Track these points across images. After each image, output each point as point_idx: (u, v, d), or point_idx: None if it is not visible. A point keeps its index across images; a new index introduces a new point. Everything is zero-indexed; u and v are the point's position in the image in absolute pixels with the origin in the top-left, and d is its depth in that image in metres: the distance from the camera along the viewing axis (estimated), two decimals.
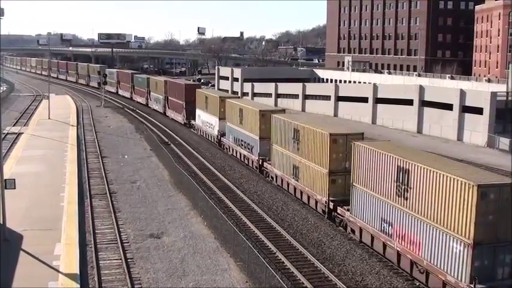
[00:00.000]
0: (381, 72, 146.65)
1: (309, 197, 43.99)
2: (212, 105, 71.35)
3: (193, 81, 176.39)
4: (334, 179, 40.14)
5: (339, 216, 38.98)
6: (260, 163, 55.48)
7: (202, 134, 77.26)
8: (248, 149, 58.59)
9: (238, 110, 60.92)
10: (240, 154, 61.22)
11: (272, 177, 52.38)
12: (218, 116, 68.43)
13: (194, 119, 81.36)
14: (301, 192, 45.47)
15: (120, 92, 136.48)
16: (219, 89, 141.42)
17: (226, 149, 66.26)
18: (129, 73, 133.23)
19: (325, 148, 40.70)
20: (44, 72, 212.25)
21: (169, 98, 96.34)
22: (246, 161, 59.49)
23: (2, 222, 34.25)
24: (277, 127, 50.18)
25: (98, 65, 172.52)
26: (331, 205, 39.91)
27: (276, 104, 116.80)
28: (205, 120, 74.88)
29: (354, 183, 36.05)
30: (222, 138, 67.90)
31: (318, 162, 41.80)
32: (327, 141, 40.24)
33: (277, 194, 48.28)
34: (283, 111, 58.37)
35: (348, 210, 37.44)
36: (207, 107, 73.51)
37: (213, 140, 72.11)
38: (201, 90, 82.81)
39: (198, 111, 79.10)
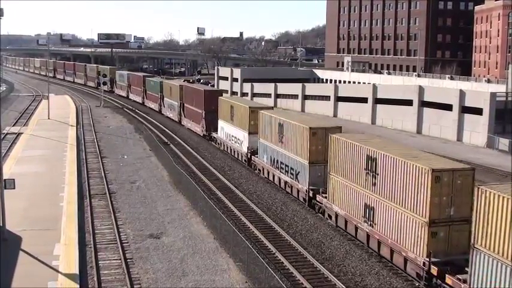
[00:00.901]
0: (381, 73, 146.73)
1: (392, 251, 32.80)
2: (240, 116, 61.18)
3: (195, 81, 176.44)
4: (435, 232, 29.59)
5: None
6: (310, 195, 43.54)
7: (226, 149, 66.47)
8: (291, 174, 47.27)
9: (277, 124, 49.91)
10: (279, 179, 50.06)
11: (329, 216, 40.67)
12: (248, 130, 58.64)
13: (215, 130, 70.79)
14: (379, 244, 34.04)
15: (131, 96, 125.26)
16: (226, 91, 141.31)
17: (259, 170, 55.47)
18: (140, 76, 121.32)
19: (423, 186, 30.05)
20: (49, 74, 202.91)
21: (185, 105, 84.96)
22: (289, 189, 47.96)
23: (1, 222, 34.23)
24: (341, 151, 38.14)
25: (108, 67, 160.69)
26: (434, 270, 28.99)
27: (275, 105, 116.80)
28: (231, 133, 64.47)
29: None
30: (252, 157, 57.15)
31: (407, 207, 31.22)
32: (427, 179, 29.64)
33: (277, 194, 48.27)
34: (339, 128, 44.81)
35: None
36: (233, 118, 63.36)
37: (240, 158, 61.45)
38: (226, 98, 72.90)
39: (221, 123, 68.40)
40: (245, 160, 59.37)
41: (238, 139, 61.57)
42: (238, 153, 61.98)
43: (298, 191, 45.83)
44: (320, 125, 46.13)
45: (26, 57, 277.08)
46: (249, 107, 59.05)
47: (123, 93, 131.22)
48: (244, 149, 59.37)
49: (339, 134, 40.28)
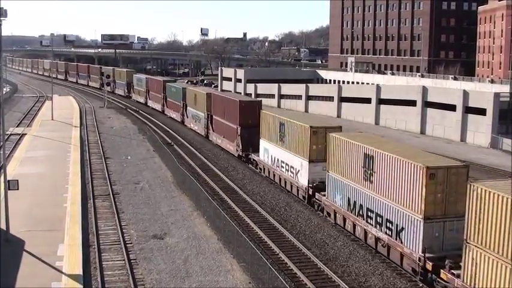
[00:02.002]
0: (384, 73, 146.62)
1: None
2: (295, 138, 46.82)
3: (198, 82, 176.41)
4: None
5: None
6: (422, 264, 30.16)
7: (271, 176, 52.96)
8: (388, 230, 33.38)
9: (363, 155, 35.78)
10: (365, 233, 36.13)
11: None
12: (308, 157, 44.49)
13: (255, 151, 57.31)
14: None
15: (150, 103, 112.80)
16: (222, 90, 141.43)
17: (328, 214, 41.28)
18: (160, 81, 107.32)
19: None
20: (60, 76, 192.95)
21: (214, 117, 71.33)
22: (385, 252, 33.99)
23: (5, 223, 34.28)
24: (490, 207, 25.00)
25: (125, 69, 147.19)
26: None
27: (279, 105, 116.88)
28: (279, 158, 50.25)
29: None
30: (317, 194, 43.21)
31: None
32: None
33: (280, 195, 48.26)
34: (464, 167, 31.43)
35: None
36: (284, 139, 49.29)
37: (295, 192, 47.49)
38: (272, 112, 56.83)
39: (264, 143, 54.28)
40: (303, 197, 45.74)
41: (292, 167, 47.55)
42: (291, 186, 48.26)
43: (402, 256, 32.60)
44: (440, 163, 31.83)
45: (33, 59, 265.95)
46: (310, 127, 44.35)
47: (141, 100, 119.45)
48: (303, 182, 45.59)
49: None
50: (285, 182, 49.58)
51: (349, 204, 37.74)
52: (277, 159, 50.97)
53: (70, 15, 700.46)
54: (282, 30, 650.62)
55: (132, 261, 33.18)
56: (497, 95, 76.52)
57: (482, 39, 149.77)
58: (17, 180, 36.94)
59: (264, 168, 54.80)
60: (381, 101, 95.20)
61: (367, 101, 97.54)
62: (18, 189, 36.70)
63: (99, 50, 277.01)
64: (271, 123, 52.42)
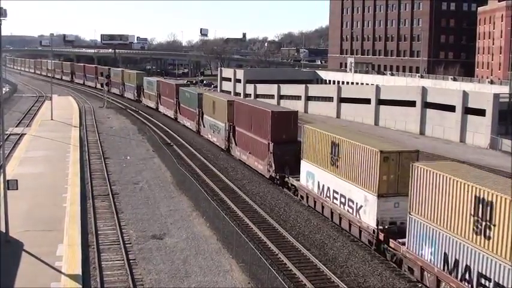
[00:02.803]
0: (384, 74, 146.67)
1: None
2: (357, 163, 36.93)
3: (198, 82, 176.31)
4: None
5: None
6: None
7: (318, 208, 42.92)
8: None
9: (473, 198, 26.28)
10: None
11: None
12: (375, 190, 34.59)
13: (294, 173, 47.66)
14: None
15: (161, 109, 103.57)
16: (222, 91, 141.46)
17: (411, 270, 31.56)
18: (172, 85, 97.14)
19: None
20: (65, 77, 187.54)
21: (237, 129, 61.78)
22: None
23: (4, 223, 34.28)
24: None
25: (135, 71, 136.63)
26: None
27: (278, 105, 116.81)
28: (330, 187, 40.64)
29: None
30: (392, 241, 33.23)
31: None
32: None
33: (280, 196, 48.25)
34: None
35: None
36: (338, 163, 39.54)
37: (356, 233, 37.62)
38: (319, 128, 44.33)
39: (307, 165, 44.38)
40: (369, 241, 35.86)
41: (351, 201, 37.71)
42: (349, 224, 38.14)
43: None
44: None
45: (36, 59, 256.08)
46: (380, 152, 34.27)
47: (152, 104, 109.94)
48: (367, 222, 35.60)
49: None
50: (340, 219, 39.46)
51: (446, 261, 28.04)
52: (328, 188, 41.11)
53: (69, 15, 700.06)
54: (281, 31, 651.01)
55: (131, 261, 33.19)
56: (496, 96, 76.55)
57: (482, 40, 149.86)
58: (16, 180, 36.96)
59: (308, 197, 44.39)
60: (381, 102, 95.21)
61: (367, 101, 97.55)
62: (17, 189, 36.72)
63: (99, 50, 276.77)
64: (320, 142, 42.37)
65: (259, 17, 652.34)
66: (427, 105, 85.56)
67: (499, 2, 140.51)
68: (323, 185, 42.02)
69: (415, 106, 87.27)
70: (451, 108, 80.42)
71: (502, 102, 76.28)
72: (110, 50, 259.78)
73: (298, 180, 46.52)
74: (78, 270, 30.51)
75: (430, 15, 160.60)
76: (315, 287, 30.21)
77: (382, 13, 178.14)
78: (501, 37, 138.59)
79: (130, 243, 36.27)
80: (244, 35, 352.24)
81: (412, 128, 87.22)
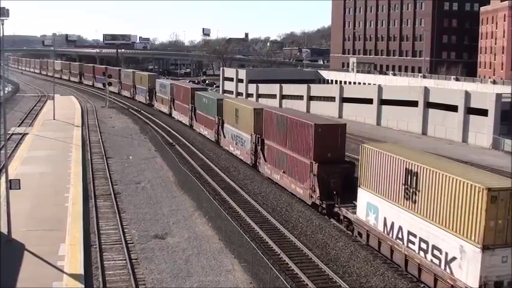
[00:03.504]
0: (386, 74, 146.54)
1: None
2: (447, 200, 28.58)
3: (200, 82, 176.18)
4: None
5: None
6: None
7: (384, 251, 34.27)
8: None
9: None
10: None
11: None
12: (478, 240, 26.50)
13: (346, 202, 39.33)
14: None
15: (175, 114, 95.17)
16: (224, 91, 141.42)
17: None
18: (188, 88, 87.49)
19: None
20: (73, 78, 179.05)
21: (266, 142, 53.14)
22: None
23: (7, 223, 34.31)
24: None
25: (147, 73, 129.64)
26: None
27: (280, 105, 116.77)
28: (403, 226, 31.94)
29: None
30: None
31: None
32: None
33: (282, 196, 48.23)
34: None
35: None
36: (416, 197, 30.88)
37: None
38: (382, 148, 35.36)
39: (367, 195, 35.59)
40: None
41: (438, 249, 29.25)
42: (434, 279, 29.55)
43: None
44: None
45: (42, 59, 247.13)
46: (488, 190, 26.09)
47: (165, 109, 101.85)
48: (466, 280, 27.25)
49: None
50: (419, 270, 30.75)
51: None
52: (400, 228, 32.21)
53: (72, 15, 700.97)
54: (283, 31, 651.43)
55: (133, 261, 33.20)
56: (499, 96, 76.43)
57: (484, 40, 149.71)
58: (19, 180, 36.99)
59: (369, 236, 35.69)
60: (383, 102, 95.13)
61: (369, 101, 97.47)
62: (19, 188, 36.76)
63: (101, 50, 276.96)
64: (387, 168, 33.35)
65: (262, 17, 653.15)
66: (429, 105, 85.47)
67: (501, 1, 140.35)
68: (392, 223, 33.11)
69: (417, 106, 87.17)
70: (453, 108, 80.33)
71: (504, 102, 76.11)
72: (112, 50, 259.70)
73: (354, 212, 37.66)
74: (80, 270, 30.51)
75: (432, 15, 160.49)
76: (317, 287, 30.18)
77: (384, 13, 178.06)
78: (503, 37, 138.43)
79: (132, 243, 36.28)
80: (246, 34, 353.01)
81: (414, 128, 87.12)
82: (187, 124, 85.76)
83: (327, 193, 41.43)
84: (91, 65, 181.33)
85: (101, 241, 36.35)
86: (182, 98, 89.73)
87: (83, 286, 28.80)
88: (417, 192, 30.47)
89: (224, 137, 67.61)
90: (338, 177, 41.58)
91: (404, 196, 31.65)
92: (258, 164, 55.79)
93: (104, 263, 32.93)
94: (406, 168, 31.34)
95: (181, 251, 34.88)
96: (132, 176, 55.23)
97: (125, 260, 33.26)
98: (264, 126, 53.86)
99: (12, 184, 35.79)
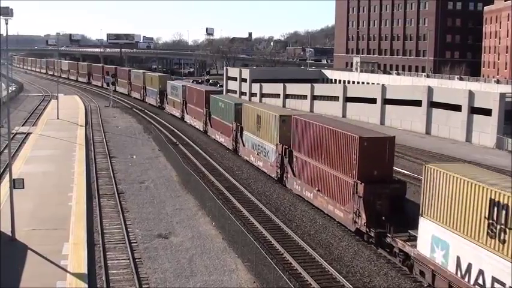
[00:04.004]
0: (390, 73, 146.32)
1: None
2: None
3: (203, 81, 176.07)
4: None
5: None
6: None
7: None
8: None
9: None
10: None
11: None
12: None
13: (399, 230, 33.18)
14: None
15: (187, 119, 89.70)
16: (227, 90, 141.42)
17: None
18: (202, 91, 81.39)
19: None
20: (81, 79, 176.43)
21: (296, 155, 47.25)
22: None
23: (10, 222, 34.35)
24: None
25: (157, 74, 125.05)
26: None
27: (284, 105, 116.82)
28: (484, 269, 25.89)
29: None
30: None
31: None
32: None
33: (285, 195, 48.20)
34: None
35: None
36: (498, 233, 25.07)
37: None
38: (455, 172, 28.27)
39: (432, 226, 29.44)
40: None
41: None
42: None
43: None
44: None
45: (49, 59, 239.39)
46: None
47: (177, 113, 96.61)
48: None
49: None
50: None
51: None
52: (481, 272, 26.14)
53: (76, 15, 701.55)
54: (287, 30, 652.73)
55: (136, 260, 33.21)
56: (503, 96, 76.31)
57: (488, 39, 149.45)
58: (23, 179, 37.13)
59: (436, 277, 29.41)
60: (387, 101, 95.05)
61: (373, 101, 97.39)
62: (23, 188, 36.85)
63: (105, 49, 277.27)
64: (460, 195, 27.32)
65: (265, 17, 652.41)
66: (433, 104, 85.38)
67: (505, 1, 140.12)
68: (469, 265, 26.74)
69: (421, 106, 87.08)
70: (457, 108, 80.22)
71: (508, 102, 75.99)
72: (116, 50, 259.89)
73: (414, 245, 31.16)
74: (83, 269, 30.55)
75: (436, 14, 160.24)
76: (321, 286, 30.17)
77: (388, 12, 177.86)
78: (507, 36, 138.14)
79: (136, 242, 36.30)
80: (250, 34, 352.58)
81: (417, 127, 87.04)
82: (201, 130, 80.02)
83: (376, 219, 35.03)
84: (100, 65, 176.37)
85: (104, 240, 36.36)
86: (195, 102, 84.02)
87: (87, 285, 28.83)
88: (507, 230, 24.45)
89: (243, 145, 61.65)
90: (386, 199, 35.43)
91: (487, 233, 25.51)
92: (285, 178, 49.70)
93: (108, 262, 32.94)
94: (490, 199, 25.28)
95: (184, 251, 34.90)
96: (136, 175, 55.27)
97: (129, 259, 33.28)
98: (293, 136, 47.78)
99: (16, 183, 35.88)
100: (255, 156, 57.67)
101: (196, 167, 58.63)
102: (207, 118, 76.94)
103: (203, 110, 78.46)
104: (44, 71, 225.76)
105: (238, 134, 63.17)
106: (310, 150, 44.36)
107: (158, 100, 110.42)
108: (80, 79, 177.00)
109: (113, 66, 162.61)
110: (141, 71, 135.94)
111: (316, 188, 42.77)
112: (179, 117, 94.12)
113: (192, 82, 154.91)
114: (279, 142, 50.43)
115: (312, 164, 43.81)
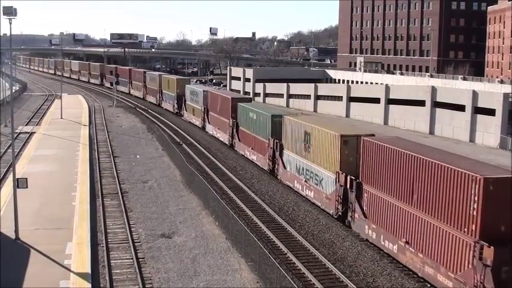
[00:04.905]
0: (393, 73, 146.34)
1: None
2: None
3: (207, 81, 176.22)
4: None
5: None
6: None
7: None
8: None
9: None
10: None
11: None
12: None
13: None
14: None
15: (209, 128, 78.47)
16: (231, 89, 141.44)
17: None
18: (228, 98, 70.17)
19: None
20: (93, 80, 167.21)
21: (366, 189, 36.46)
22: None
23: (14, 221, 34.37)
24: None
25: (175, 77, 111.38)
26: None
27: (287, 105, 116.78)
28: None
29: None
30: None
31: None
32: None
33: (289, 195, 48.18)
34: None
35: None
36: None
37: None
38: None
39: None
40: None
41: None
42: None
43: None
44: None
45: (57, 59, 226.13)
46: None
47: (197, 122, 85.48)
48: None
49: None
50: None
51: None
52: None
53: (79, 14, 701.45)
54: (291, 30, 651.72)
55: (140, 260, 33.22)
56: (506, 96, 76.28)
57: (492, 39, 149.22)
58: (26, 179, 37.14)
59: None
60: (390, 101, 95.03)
61: (376, 101, 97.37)
62: (27, 187, 36.87)
63: (108, 49, 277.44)
64: None
65: (269, 16, 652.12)
66: (436, 104, 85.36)
67: (509, 1, 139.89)
68: None
69: (424, 106, 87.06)
70: (460, 108, 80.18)
71: None
72: (120, 49, 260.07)
73: None
74: (87, 269, 30.54)
75: (440, 14, 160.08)
76: (324, 286, 30.15)
77: (391, 12, 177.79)
78: (511, 36, 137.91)
79: (139, 242, 36.31)
80: (253, 34, 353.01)
81: (421, 127, 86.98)
82: (227, 143, 69.45)
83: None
84: (113, 65, 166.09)
85: (108, 240, 36.39)
86: (219, 110, 72.84)
87: (90, 285, 28.83)
88: None
89: (284, 167, 50.77)
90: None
91: None
92: (350, 217, 38.47)
93: (111, 261, 32.95)
94: None
95: (188, 250, 34.89)
96: (139, 174, 55.29)
97: (132, 259, 33.28)
98: (363, 164, 36.85)
99: (20, 183, 35.90)
100: (302, 183, 46.63)
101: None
102: (234, 130, 66.24)
103: (229, 121, 67.86)
104: (52, 72, 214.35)
105: (277, 153, 52.11)
106: (391, 186, 33.35)
107: (176, 106, 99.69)
108: (92, 80, 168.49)
109: (127, 67, 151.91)
110: (157, 73, 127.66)
111: (404, 240, 31.99)
112: (199, 126, 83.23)
113: (196, 82, 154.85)
114: (339, 170, 39.64)
115: (395, 205, 32.86)
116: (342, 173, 38.93)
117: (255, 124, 58.64)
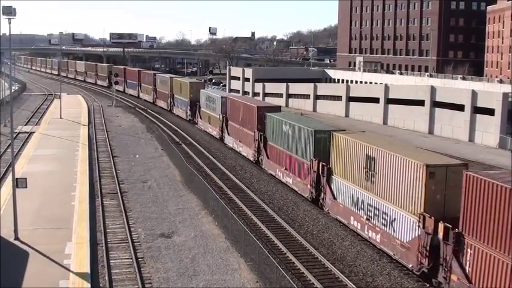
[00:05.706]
0: (392, 73, 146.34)
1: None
2: None
3: (206, 81, 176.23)
4: None
5: None
6: None
7: None
8: None
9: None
10: None
11: None
12: None
13: None
14: None
15: (229, 140, 68.67)
16: (230, 90, 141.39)
17: None
18: (253, 107, 60.07)
19: None
20: (100, 82, 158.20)
21: (470, 243, 26.26)
22: None
23: (13, 221, 34.37)
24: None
25: (188, 81, 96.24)
26: None
27: (286, 105, 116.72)
28: None
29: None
30: None
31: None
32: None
33: (288, 195, 48.18)
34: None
35: None
36: None
37: None
38: None
39: None
40: None
41: None
42: None
43: None
44: None
45: (61, 59, 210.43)
46: None
47: (213, 131, 75.41)
48: None
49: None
50: None
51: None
52: None
53: (78, 14, 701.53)
54: (290, 30, 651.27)
55: (139, 259, 33.22)
56: (506, 95, 76.26)
57: (491, 39, 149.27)
58: (25, 179, 37.12)
59: None
60: (389, 101, 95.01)
61: (376, 100, 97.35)
62: (26, 187, 36.85)
63: (108, 48, 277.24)
64: None
65: (268, 16, 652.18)
66: (436, 104, 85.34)
67: (508, 0, 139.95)
68: None
69: (423, 105, 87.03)
70: (460, 108, 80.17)
71: (511, 102, 75.96)
72: (119, 49, 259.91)
73: None
74: (86, 268, 30.55)
75: (439, 14, 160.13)
76: (323, 286, 30.16)
77: (391, 12, 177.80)
78: (510, 36, 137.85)
79: (138, 242, 36.31)
80: (253, 33, 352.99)
81: (420, 127, 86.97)
82: (251, 159, 60.08)
83: None
84: (121, 67, 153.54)
85: (107, 239, 36.39)
86: (242, 120, 63.30)
87: (89, 285, 28.84)
88: None
89: (333, 197, 40.80)
90: None
91: None
92: (443, 277, 28.55)
93: (110, 261, 32.96)
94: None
95: (187, 250, 34.89)
96: (139, 174, 55.29)
97: (131, 258, 33.28)
98: (466, 208, 26.68)
99: (19, 183, 35.87)
100: (361, 221, 36.63)
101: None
102: (261, 145, 56.49)
103: (254, 133, 58.18)
104: (56, 73, 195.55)
105: (323, 179, 42.23)
106: (486, 232, 25.25)
107: (189, 113, 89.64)
108: (99, 82, 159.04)
109: (135, 69, 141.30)
110: (168, 75, 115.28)
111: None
112: (217, 137, 73.64)
113: (210, 84, 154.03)
114: (423, 211, 29.80)
115: (497, 259, 24.66)
116: (430, 218, 28.95)
117: (291, 140, 48.61)
